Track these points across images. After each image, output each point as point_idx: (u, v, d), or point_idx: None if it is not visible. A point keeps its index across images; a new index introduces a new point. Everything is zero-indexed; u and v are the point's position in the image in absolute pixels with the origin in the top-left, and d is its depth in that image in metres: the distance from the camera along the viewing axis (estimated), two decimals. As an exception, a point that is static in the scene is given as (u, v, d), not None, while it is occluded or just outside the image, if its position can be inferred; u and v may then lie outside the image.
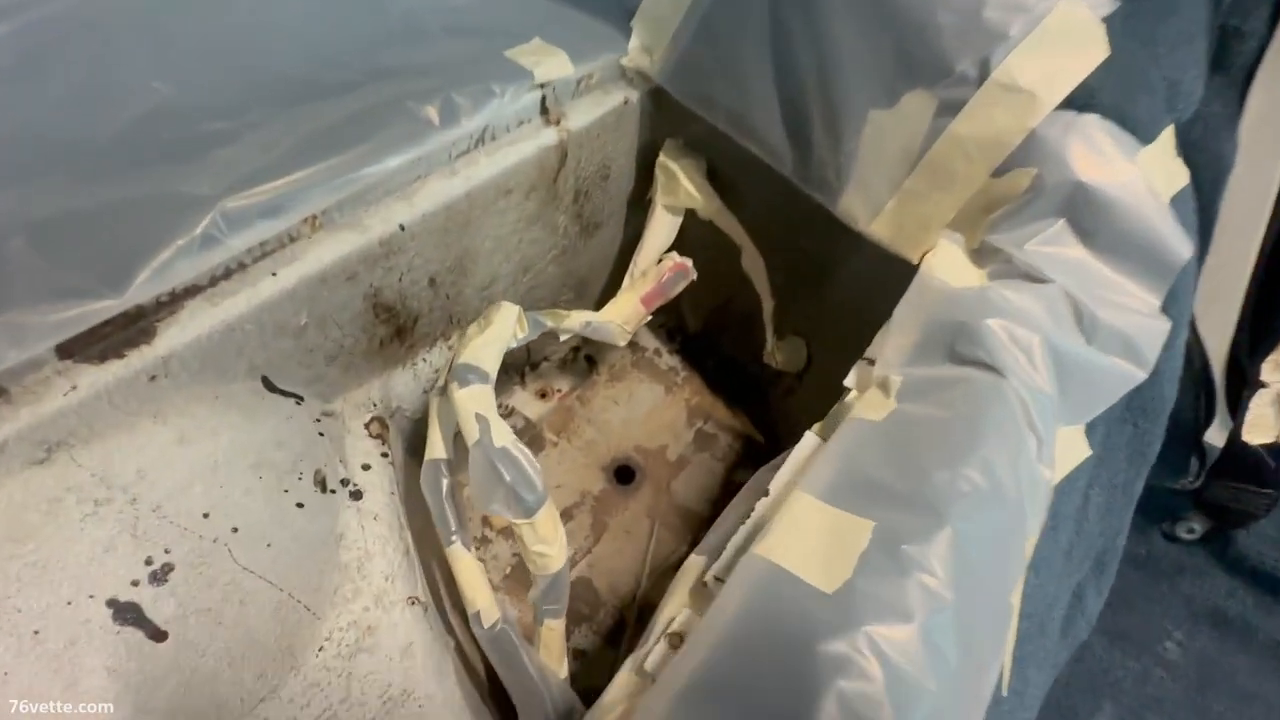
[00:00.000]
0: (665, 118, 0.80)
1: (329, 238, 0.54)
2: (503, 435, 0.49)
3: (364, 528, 0.55)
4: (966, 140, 0.56)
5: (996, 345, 0.46)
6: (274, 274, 0.51)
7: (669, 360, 1.01)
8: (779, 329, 0.86)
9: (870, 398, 0.49)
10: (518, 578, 0.77)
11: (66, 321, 0.42)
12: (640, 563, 0.82)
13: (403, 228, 0.58)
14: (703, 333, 1.03)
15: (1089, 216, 0.51)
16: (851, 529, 0.38)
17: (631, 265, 0.83)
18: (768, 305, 0.84)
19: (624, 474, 0.89)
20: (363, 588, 0.53)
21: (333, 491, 0.55)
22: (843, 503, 0.40)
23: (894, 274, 0.71)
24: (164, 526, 0.45)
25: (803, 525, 0.39)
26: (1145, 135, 0.51)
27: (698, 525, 0.86)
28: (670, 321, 1.03)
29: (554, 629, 0.54)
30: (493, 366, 0.53)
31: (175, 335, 0.46)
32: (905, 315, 0.54)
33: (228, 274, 0.50)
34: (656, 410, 0.95)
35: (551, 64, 0.68)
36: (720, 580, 0.43)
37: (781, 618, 0.34)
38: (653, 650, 0.40)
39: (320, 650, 0.49)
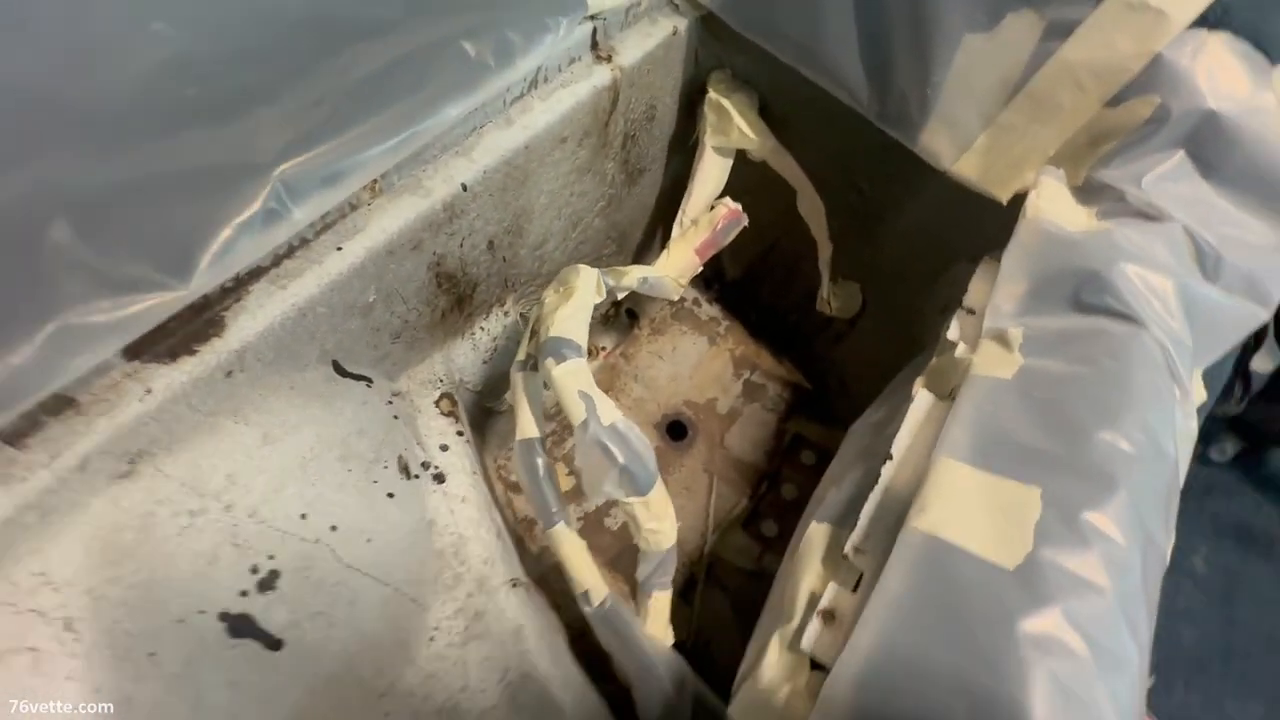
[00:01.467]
0: (712, 49, 0.74)
1: (391, 204, 0.49)
2: (610, 412, 0.46)
3: (453, 512, 0.53)
4: (1078, 67, 0.52)
5: (1132, 293, 0.44)
6: (339, 248, 0.46)
7: (709, 310, 0.98)
8: (833, 274, 0.83)
9: (989, 353, 0.47)
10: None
11: (131, 319, 0.37)
12: (703, 519, 0.82)
13: (465, 187, 0.52)
14: (742, 280, 0.99)
15: (1215, 148, 0.48)
16: (1018, 498, 0.36)
17: (680, 214, 0.78)
18: (825, 250, 0.80)
19: (676, 430, 0.87)
20: (463, 574, 0.51)
21: (416, 477, 0.52)
22: (998, 468, 0.38)
23: (963, 216, 0.68)
24: (264, 532, 0.41)
25: (962, 495, 0.37)
26: (1281, 55, 0.48)
27: (755, 477, 0.85)
28: (708, 270, 0.99)
29: (661, 600, 0.53)
30: (584, 337, 0.50)
31: (246, 325, 0.42)
32: (1014, 262, 0.51)
33: (290, 251, 0.45)
34: (702, 363, 0.93)
35: (610, -4, 0.61)
36: (861, 551, 0.42)
37: (963, 597, 0.33)
38: (806, 628, 0.39)
39: (431, 640, 0.48)
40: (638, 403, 0.88)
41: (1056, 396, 0.41)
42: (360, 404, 0.51)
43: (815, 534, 0.46)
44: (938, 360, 0.53)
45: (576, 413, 0.46)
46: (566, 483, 0.81)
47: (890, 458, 0.46)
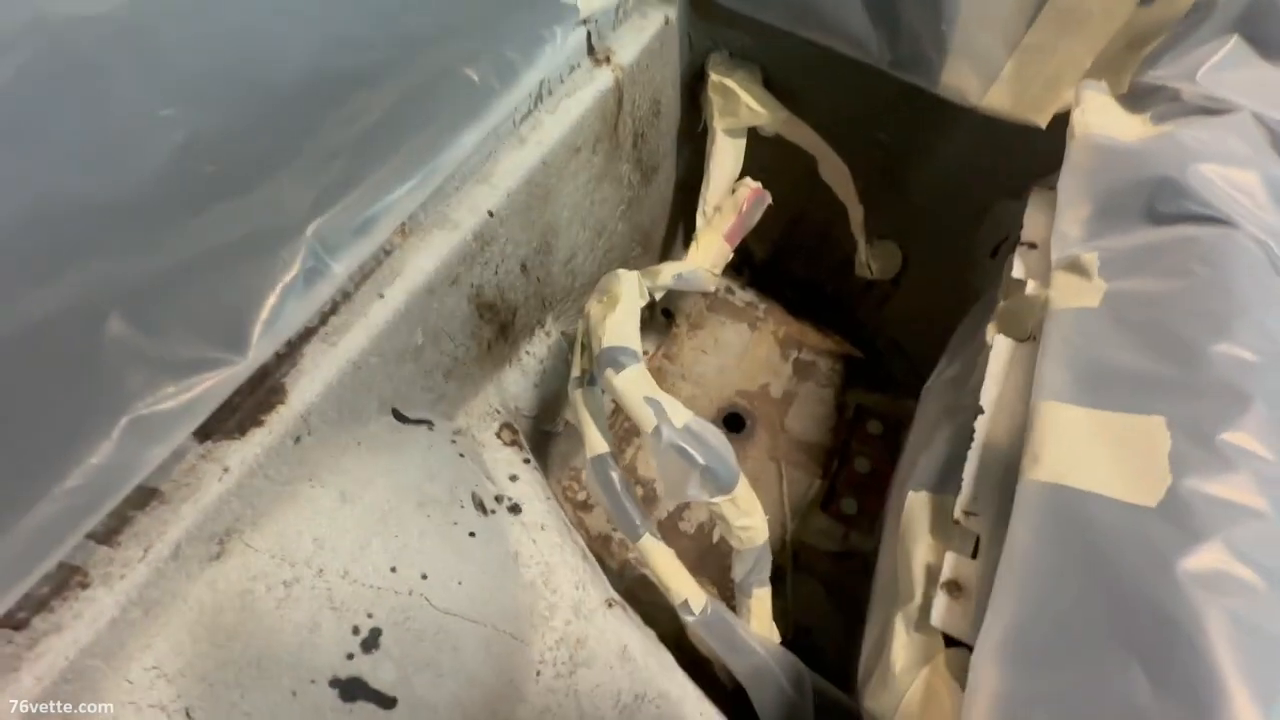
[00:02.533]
0: (705, 32, 0.72)
1: (422, 242, 0.48)
2: (680, 413, 0.45)
3: (535, 541, 0.52)
4: (1104, -31, 0.49)
5: (1213, 193, 0.41)
6: (381, 295, 0.45)
7: (744, 295, 0.96)
8: (868, 236, 0.80)
9: (1066, 284, 0.44)
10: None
11: (197, 401, 0.37)
12: (779, 507, 0.79)
13: (491, 214, 0.51)
14: (772, 259, 0.97)
15: (1272, 24, 0.45)
16: (1140, 430, 0.34)
17: (701, 203, 0.76)
18: (856, 213, 0.78)
19: (734, 422, 0.85)
20: (557, 602, 0.49)
21: (492, 512, 0.52)
22: (1108, 402, 0.36)
23: (998, 150, 0.65)
24: (359, 591, 0.41)
25: (1076, 437, 0.35)
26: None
27: (823, 456, 0.83)
28: (735, 255, 0.97)
29: (762, 597, 0.51)
30: (638, 342, 0.48)
31: (306, 387, 0.41)
32: (1073, 185, 0.48)
33: (335, 308, 0.44)
34: (747, 350, 0.91)
35: (595, -4, 0.60)
36: (972, 514, 0.39)
37: (1106, 545, 0.31)
38: (933, 603, 0.37)
39: (539, 675, 0.47)
40: (690, 401, 0.87)
41: (1155, 316, 0.38)
42: (426, 449, 0.50)
43: (916, 504, 0.44)
44: (1007, 302, 0.51)
45: (646, 419, 0.44)
46: (633, 493, 0.80)
47: (981, 411, 0.43)
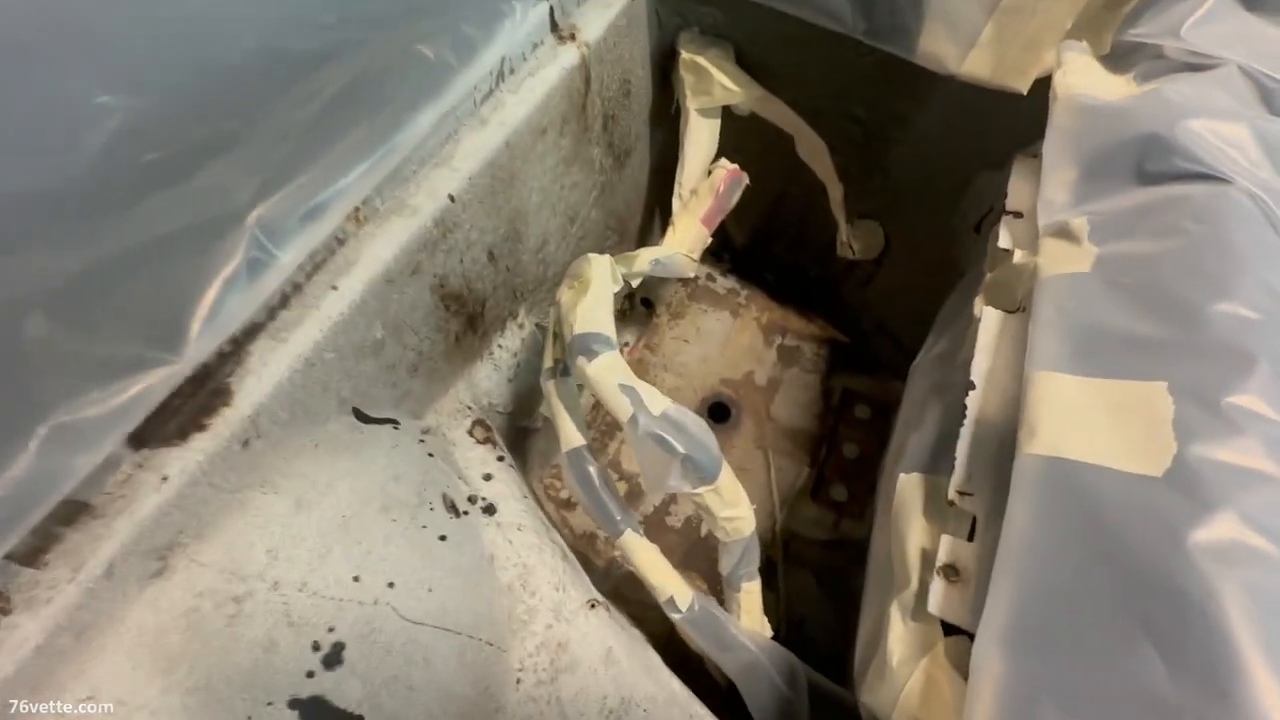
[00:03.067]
0: (673, 8, 0.70)
1: (379, 230, 0.45)
2: (658, 400, 0.42)
3: (511, 541, 0.49)
4: (1081, -76, 0.47)
5: (1204, 149, 0.39)
6: (335, 287, 0.42)
7: (725, 282, 0.94)
8: (848, 215, 0.78)
9: (1055, 250, 0.42)
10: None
11: (129, 404, 0.34)
12: (767, 497, 0.77)
13: (452, 199, 0.49)
14: (752, 244, 0.95)
15: (1257, -26, 0.43)
16: (1140, 396, 0.32)
17: (677, 186, 0.74)
18: (835, 191, 0.76)
19: (719, 412, 0.83)
20: (536, 605, 0.47)
21: (465, 513, 0.49)
22: (1105, 369, 0.34)
23: (977, 120, 0.63)
24: (318, 604, 0.38)
25: (1073, 408, 0.33)
26: None
27: (811, 444, 0.81)
28: (715, 241, 0.94)
29: (751, 591, 0.49)
30: (611, 328, 0.46)
31: (254, 387, 0.38)
32: (1057, 149, 0.46)
33: (284, 301, 0.41)
34: (730, 338, 0.89)
35: (555, -32, 0.57)
36: (967, 494, 0.37)
37: (1111, 518, 0.29)
38: (930, 589, 0.35)
39: (519, 683, 0.44)
40: (673, 392, 0.84)
41: (1150, 278, 0.36)
42: (391, 449, 0.47)
43: (907, 486, 0.42)
44: (994, 274, 0.49)
45: (622, 408, 0.42)
46: (618, 488, 0.77)
47: (973, 386, 0.41)
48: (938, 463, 0.42)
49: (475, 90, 0.52)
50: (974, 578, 0.34)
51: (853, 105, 0.72)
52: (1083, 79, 0.48)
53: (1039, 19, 0.51)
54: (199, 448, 0.36)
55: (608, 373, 0.43)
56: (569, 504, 0.75)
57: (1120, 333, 0.35)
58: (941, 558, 0.35)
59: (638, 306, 0.90)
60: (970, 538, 0.36)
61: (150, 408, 0.35)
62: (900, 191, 0.75)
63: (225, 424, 0.37)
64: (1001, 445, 0.38)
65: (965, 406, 0.41)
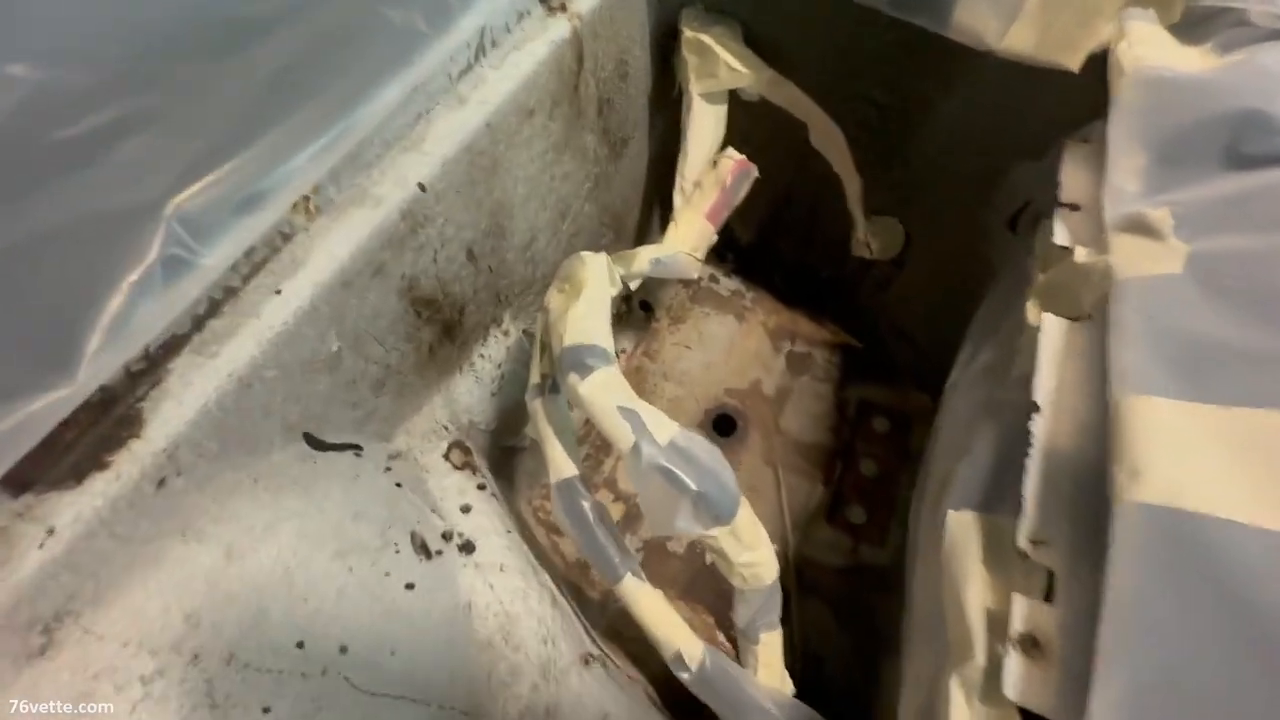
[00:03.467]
0: (674, -20, 0.63)
1: (334, 224, 0.38)
2: (664, 426, 0.36)
3: (493, 586, 0.42)
4: None
5: (1318, 126, 0.33)
6: (278, 291, 0.36)
7: (729, 283, 0.87)
8: (866, 211, 0.72)
9: (1131, 247, 0.36)
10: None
11: (5, 439, 0.27)
12: (778, 518, 0.71)
13: (423, 188, 0.42)
14: (758, 242, 0.88)
15: (1361, -75, 0.37)
16: (1270, 430, 0.25)
17: (679, 178, 0.67)
18: (853, 185, 0.69)
19: (724, 424, 0.76)
20: (520, 663, 0.40)
21: (439, 553, 0.42)
22: (1220, 395, 0.27)
23: (1015, 103, 0.57)
24: (251, 679, 0.31)
25: (1187, 443, 0.26)
26: None
27: (824, 459, 0.74)
28: (718, 239, 0.88)
29: (771, 643, 0.42)
30: (608, 338, 0.39)
31: (172, 414, 0.31)
32: (1125, 130, 0.40)
33: (215, 308, 0.34)
34: (735, 344, 0.82)
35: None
36: (1042, 543, 0.31)
37: (1255, 588, 0.23)
38: (1005, 665, 0.28)
39: (499, 759, 0.37)
40: (674, 403, 0.78)
41: (1263, 279, 0.30)
42: (350, 480, 0.40)
43: (960, 527, 0.35)
44: (1049, 275, 0.42)
45: (622, 435, 0.35)
46: (614, 510, 0.70)
47: (1037, 408, 0.35)
48: (996, 500, 0.35)
49: (451, 63, 0.45)
50: (1059, 652, 0.28)
51: (871, 87, 0.65)
52: (1152, 50, 0.42)
53: (1096, -11, 0.45)
54: (98, 491, 0.29)
55: (604, 393, 0.36)
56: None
57: (1233, 347, 0.29)
58: (1016, 625, 0.29)
59: (635, 310, 0.83)
60: (1048, 597, 0.30)
61: (32, 442, 0.28)
62: (922, 184, 0.69)
63: (134, 460, 0.30)
64: (1078, 483, 0.32)
65: (1030, 434, 0.34)
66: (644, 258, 0.55)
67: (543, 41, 0.50)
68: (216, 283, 0.34)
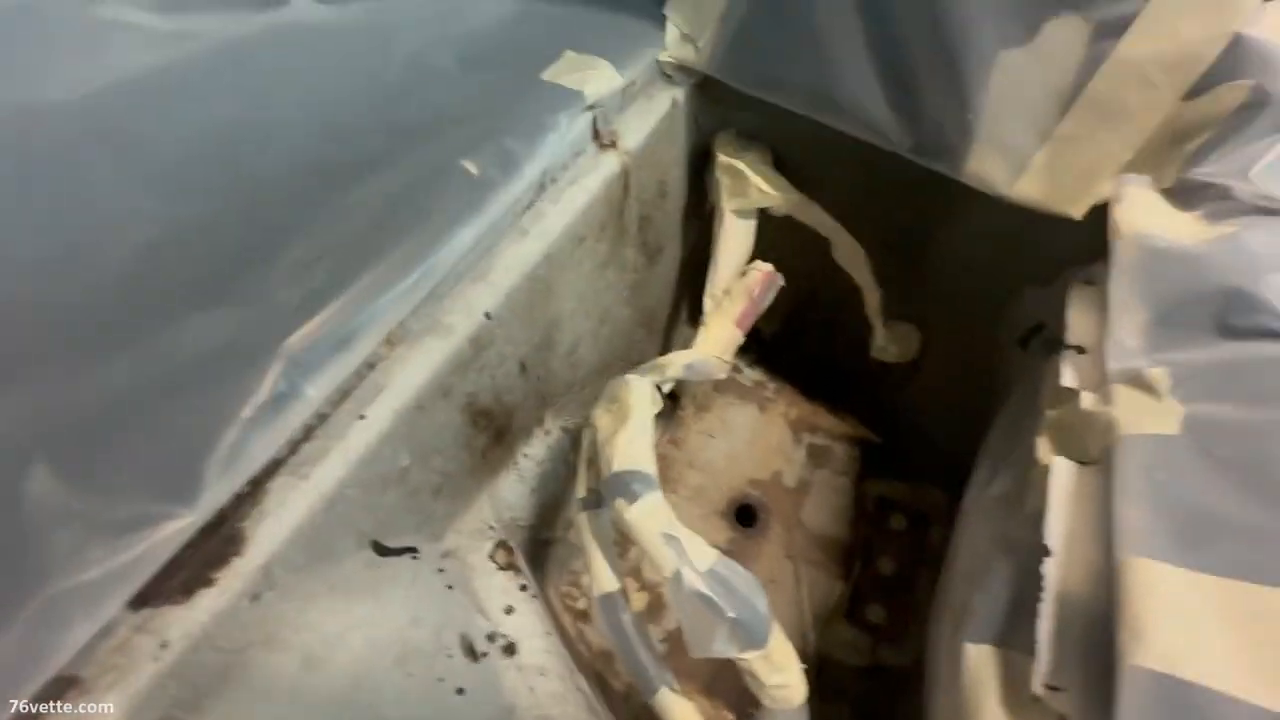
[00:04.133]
0: (713, 113, 0.70)
1: (411, 352, 0.43)
2: (704, 554, 0.39)
3: (533, 689, 0.45)
4: (1142, 63, 0.46)
5: (1297, 308, 0.37)
6: (362, 417, 0.40)
7: (752, 374, 0.91)
8: (887, 319, 0.76)
9: (1132, 402, 0.40)
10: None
11: (133, 564, 0.31)
12: (798, 614, 0.72)
13: (489, 316, 0.47)
14: (781, 335, 0.93)
15: (1330, 123, 0.42)
16: (1270, 608, 0.28)
17: (709, 285, 0.72)
18: (872, 296, 0.74)
19: (745, 515, 0.79)
20: (558, 768, 0.42)
21: (484, 655, 0.45)
22: (1218, 566, 0.30)
23: (1024, 238, 0.62)
24: (321, 786, 0.34)
25: (1187, 611, 0.29)
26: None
27: (843, 555, 0.76)
28: (742, 332, 0.93)
29: (798, 761, 0.44)
30: (652, 464, 0.43)
31: (270, 533, 0.35)
32: (1126, 288, 0.44)
33: (307, 433, 0.39)
34: (757, 434, 0.85)
35: (598, 78, 0.57)
36: (1057, 689, 0.33)
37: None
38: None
39: None
40: (698, 492, 0.81)
41: (1255, 453, 0.33)
42: (409, 585, 0.44)
43: (979, 661, 0.38)
44: (1059, 414, 0.46)
45: (665, 562, 0.38)
46: (638, 600, 0.73)
47: (1049, 552, 0.38)
48: (1011, 635, 0.38)
49: (516, 203, 0.50)
50: (1074, 802, 0.30)
51: (894, 215, 0.71)
52: (1146, 216, 0.46)
53: (1095, 150, 0.50)
54: (204, 607, 0.33)
55: (650, 520, 0.40)
56: (587, 615, 0.70)
57: (1230, 520, 0.32)
58: (1035, 774, 0.31)
59: (662, 404, 0.87)
60: (1063, 743, 0.32)
61: (156, 566, 0.32)
62: (939, 297, 0.74)
63: (235, 577, 0.34)
64: (1089, 630, 0.34)
65: (1042, 577, 0.37)
66: (678, 364, 0.60)
67: (595, 177, 0.56)
68: (314, 412, 0.38)
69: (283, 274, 0.41)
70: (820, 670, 0.69)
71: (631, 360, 0.74)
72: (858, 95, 0.57)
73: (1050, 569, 0.37)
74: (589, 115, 0.56)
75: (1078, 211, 0.53)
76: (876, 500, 0.79)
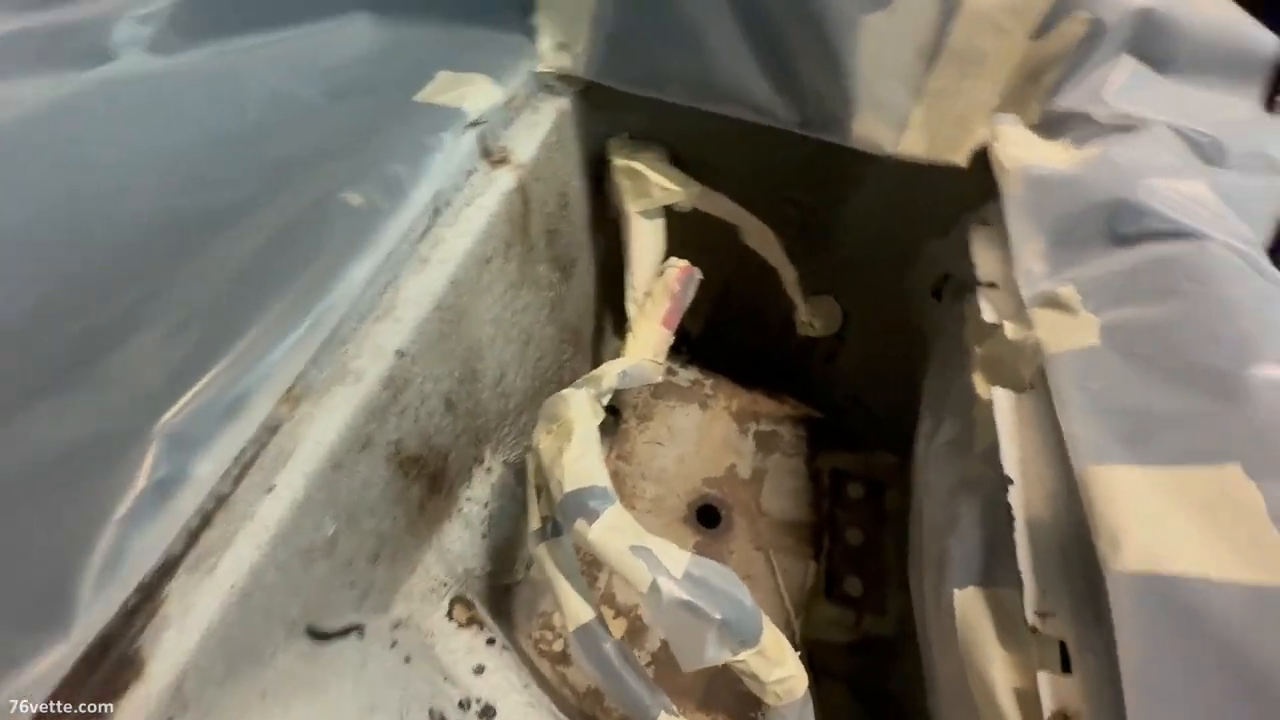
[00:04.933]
0: (602, 117, 0.69)
1: (318, 408, 0.38)
2: (676, 558, 0.36)
3: (520, 750, 0.40)
4: (991, 12, 0.49)
5: (1174, 206, 0.39)
6: (270, 488, 0.35)
7: (687, 374, 0.90)
8: (804, 293, 0.78)
9: (1051, 323, 0.41)
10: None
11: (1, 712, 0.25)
12: (779, 603, 0.71)
13: (401, 353, 0.43)
14: (707, 332, 0.93)
15: (1160, 43, 0.46)
16: (1219, 486, 0.29)
17: (629, 290, 0.71)
18: (788, 274, 0.75)
19: (709, 516, 0.77)
20: (563, 831, 0.38)
21: (459, 726, 0.40)
22: (1164, 455, 0.31)
23: (917, 192, 0.64)
24: None
25: (1149, 508, 0.30)
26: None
27: (810, 535, 0.76)
28: (670, 335, 0.92)
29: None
30: (605, 478, 0.40)
31: (174, 646, 0.30)
32: (1020, 219, 0.46)
33: (206, 520, 0.33)
34: (704, 433, 0.84)
35: (477, 93, 0.54)
36: (1049, 614, 0.33)
37: (1246, 645, 0.25)
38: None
39: None
40: (656, 502, 0.78)
41: (1168, 345, 0.35)
42: (359, 669, 0.39)
43: (968, 606, 0.37)
44: (987, 349, 0.47)
45: (638, 575, 0.36)
46: (616, 627, 0.69)
47: (1011, 481, 0.38)
48: (993, 574, 0.38)
49: (410, 231, 0.47)
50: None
51: (792, 190, 0.72)
52: (1023, 150, 0.49)
53: (966, 97, 0.53)
54: (102, 752, 0.27)
55: (614, 535, 0.37)
56: (565, 657, 0.66)
57: (1162, 411, 0.33)
58: (1048, 705, 0.30)
59: (604, 415, 0.84)
60: (1065, 667, 0.32)
61: (33, 711, 0.26)
62: (849, 266, 0.75)
63: (137, 708, 0.28)
64: (1065, 551, 0.34)
65: (1010, 506, 0.37)
66: (611, 374, 0.57)
67: (492, 195, 0.53)
68: (209, 493, 0.33)
69: (147, 345, 0.35)
70: (811, 655, 0.67)
71: (563, 381, 0.71)
72: (739, 79, 0.58)
73: (1015, 497, 0.37)
74: (474, 133, 0.54)
75: (961, 158, 0.55)
76: (831, 474, 0.79)
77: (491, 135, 0.56)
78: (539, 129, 0.61)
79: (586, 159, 0.71)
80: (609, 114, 0.68)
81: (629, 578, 0.36)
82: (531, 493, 0.45)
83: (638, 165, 0.68)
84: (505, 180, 0.55)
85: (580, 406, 0.44)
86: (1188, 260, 0.38)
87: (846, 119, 0.57)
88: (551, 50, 0.63)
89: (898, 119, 0.56)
